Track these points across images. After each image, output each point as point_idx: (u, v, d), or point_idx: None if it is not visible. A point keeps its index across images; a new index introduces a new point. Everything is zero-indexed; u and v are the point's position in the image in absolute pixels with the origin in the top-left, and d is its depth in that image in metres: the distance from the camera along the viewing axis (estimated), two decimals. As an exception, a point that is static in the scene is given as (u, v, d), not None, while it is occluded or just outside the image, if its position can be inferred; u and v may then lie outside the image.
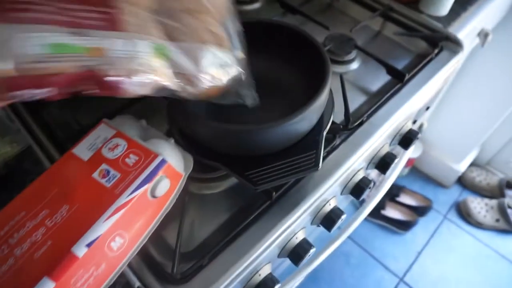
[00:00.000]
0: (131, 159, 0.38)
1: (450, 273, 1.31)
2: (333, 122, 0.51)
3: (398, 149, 0.65)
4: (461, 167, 1.45)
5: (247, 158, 0.43)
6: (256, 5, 0.75)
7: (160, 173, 0.38)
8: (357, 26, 0.67)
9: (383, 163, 0.58)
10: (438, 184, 1.54)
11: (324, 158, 0.51)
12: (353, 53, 0.64)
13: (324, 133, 0.45)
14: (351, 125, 0.53)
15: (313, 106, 0.40)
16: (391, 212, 1.42)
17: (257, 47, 0.51)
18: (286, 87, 0.52)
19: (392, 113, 0.57)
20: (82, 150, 0.39)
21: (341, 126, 0.52)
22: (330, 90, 0.49)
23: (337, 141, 0.53)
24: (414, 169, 1.58)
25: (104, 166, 0.38)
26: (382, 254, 1.35)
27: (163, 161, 0.38)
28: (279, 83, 0.52)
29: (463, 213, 1.43)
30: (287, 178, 0.41)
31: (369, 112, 0.56)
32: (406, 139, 0.62)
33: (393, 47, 0.69)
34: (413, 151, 1.48)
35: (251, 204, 0.48)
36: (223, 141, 0.42)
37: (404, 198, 1.47)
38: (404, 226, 1.39)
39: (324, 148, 0.50)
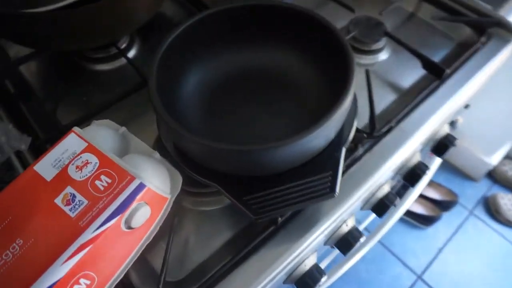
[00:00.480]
0: (103, 182, 0.31)
1: (473, 273, 1.22)
2: (356, 129, 0.42)
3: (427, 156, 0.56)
4: (493, 160, 1.33)
5: (248, 177, 0.35)
6: (271, -20, 0.65)
7: (138, 200, 0.31)
8: (388, 8, 0.56)
9: (412, 175, 0.49)
10: (466, 177, 1.43)
11: (343, 173, 0.42)
12: (382, 41, 0.54)
13: (344, 148, 0.36)
14: (377, 132, 0.44)
15: (332, 118, 0.31)
16: (413, 205, 1.32)
17: (263, 35, 0.43)
18: (298, 83, 0.43)
19: (428, 117, 0.47)
20: (46, 166, 0.32)
21: (365, 134, 0.43)
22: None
23: (360, 151, 0.44)
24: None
25: (69, 190, 0.31)
26: (401, 250, 1.28)
27: (141, 186, 0.31)
28: (290, 79, 0.43)
29: (492, 210, 1.33)
30: (295, 207, 0.33)
31: (399, 116, 0.47)
32: (441, 146, 0.52)
33: (429, 34, 0.58)
34: (455, 128, 1.38)
35: (256, 225, 0.40)
36: (217, 161, 0.34)
37: (428, 191, 1.37)
38: (426, 221, 1.30)
39: (344, 162, 0.42)
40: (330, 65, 0.39)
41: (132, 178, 0.31)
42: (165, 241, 0.37)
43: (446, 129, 0.53)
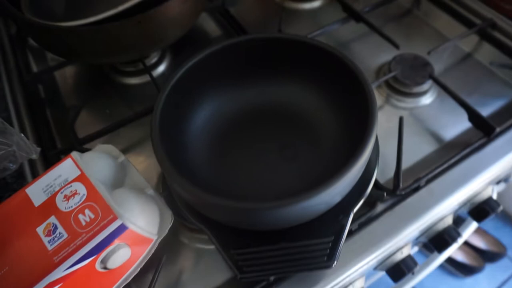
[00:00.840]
0: (86, 217, 0.30)
1: (513, 338, 1.10)
2: (375, 183, 0.38)
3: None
4: (554, 214, 1.18)
5: (242, 229, 0.32)
6: (315, 4, 0.61)
7: (117, 241, 0.29)
8: (439, 47, 0.51)
9: (439, 240, 0.44)
10: (519, 227, 1.28)
11: (356, 231, 0.38)
12: (427, 84, 0.49)
13: (352, 213, 0.32)
14: (401, 191, 0.39)
15: (337, 184, 0.28)
16: (454, 251, 1.21)
17: (281, 70, 0.40)
18: (314, 125, 0.39)
19: (466, 180, 0.41)
20: (37, 191, 0.32)
21: (385, 192, 0.39)
22: (376, 137, 0.36)
23: (379, 208, 0.40)
24: (492, 203, 1.33)
25: (52, 220, 0.30)
26: (433, 296, 1.18)
27: (122, 227, 0.29)
28: (306, 119, 0.40)
29: (546, 270, 1.18)
30: (283, 272, 0.30)
31: (432, 174, 0.41)
32: (481, 211, 0.46)
33: (486, 79, 0.52)
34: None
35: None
36: (209, 212, 0.32)
37: (473, 238, 1.25)
38: (466, 270, 1.18)
39: (357, 220, 0.38)
40: (350, 112, 0.35)
41: (115, 218, 0.29)
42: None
43: (489, 192, 0.47)
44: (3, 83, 0.51)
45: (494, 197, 0.51)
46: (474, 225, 0.60)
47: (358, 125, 0.32)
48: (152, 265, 0.34)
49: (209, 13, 0.60)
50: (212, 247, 0.40)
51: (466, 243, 1.22)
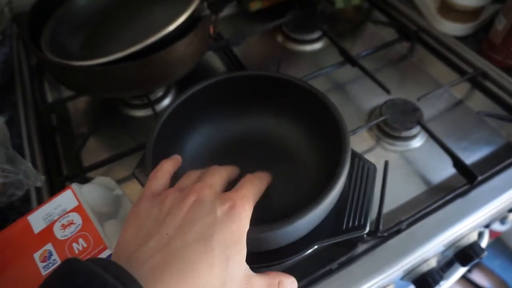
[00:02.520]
0: (79, 245, 0.32)
1: None
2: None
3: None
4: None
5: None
6: (316, 46, 0.65)
7: (105, 270, 0.31)
8: (429, 94, 0.53)
9: (422, 282, 0.45)
10: (526, 269, 1.25)
11: (336, 271, 0.40)
12: (416, 129, 0.51)
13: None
14: (382, 233, 0.41)
15: (307, 216, 0.30)
16: (456, 289, 1.19)
17: (271, 104, 0.43)
18: (298, 157, 0.42)
19: (448, 225, 0.43)
20: (38, 219, 0.34)
21: (365, 233, 0.40)
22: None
23: (360, 249, 0.41)
24: (499, 242, 1.31)
25: (49, 247, 0.33)
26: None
27: (111, 256, 0.31)
28: (290, 151, 0.43)
29: (553, 316, 1.15)
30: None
31: (414, 218, 0.43)
32: (464, 255, 0.47)
33: (476, 126, 0.53)
34: (504, 224, 1.23)
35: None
36: None
37: (477, 276, 1.22)
38: (469, 310, 1.16)
39: (338, 259, 0.40)
40: (329, 148, 0.37)
41: (105, 247, 0.32)
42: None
43: (474, 237, 0.48)
44: (20, 111, 0.55)
45: (483, 243, 0.52)
46: (462, 268, 0.60)
47: (334, 163, 0.34)
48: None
49: (215, 51, 0.64)
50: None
51: (471, 282, 1.20)
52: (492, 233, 1.26)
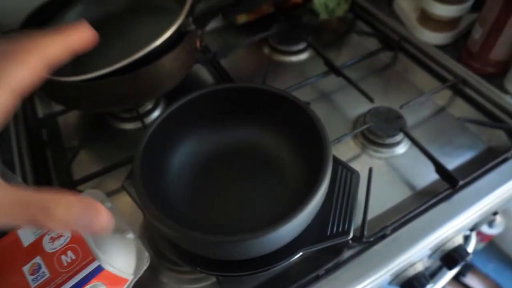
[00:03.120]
0: (68, 257, 0.33)
1: None
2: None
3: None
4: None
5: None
6: (302, 57, 0.67)
7: (94, 281, 0.32)
8: (410, 102, 0.54)
9: (409, 286, 0.46)
10: (519, 272, 1.26)
11: (322, 276, 0.40)
12: (399, 136, 0.52)
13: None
14: (367, 239, 0.42)
15: (290, 223, 0.31)
16: (451, 294, 1.20)
17: (256, 115, 0.45)
18: (280, 165, 0.43)
19: (432, 229, 0.44)
20: (27, 232, 0.35)
21: (349, 238, 0.41)
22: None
23: (346, 254, 0.42)
24: (492, 246, 1.32)
25: (38, 260, 0.33)
26: None
27: (99, 268, 0.32)
28: (273, 160, 0.44)
29: (547, 318, 1.15)
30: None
31: (398, 223, 0.44)
32: (450, 258, 0.48)
33: (458, 132, 0.55)
34: (492, 227, 1.25)
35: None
36: (186, 246, 0.35)
37: (471, 280, 1.23)
38: (463, 315, 1.16)
39: (324, 265, 0.40)
40: (312, 157, 0.38)
41: (93, 259, 0.32)
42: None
43: (459, 240, 0.49)
44: (10, 126, 0.55)
45: (470, 249, 0.53)
46: (450, 272, 0.61)
47: (316, 171, 0.35)
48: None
49: (202, 64, 0.65)
50: (189, 286, 0.42)
51: (465, 286, 1.21)
52: (484, 237, 1.28)
